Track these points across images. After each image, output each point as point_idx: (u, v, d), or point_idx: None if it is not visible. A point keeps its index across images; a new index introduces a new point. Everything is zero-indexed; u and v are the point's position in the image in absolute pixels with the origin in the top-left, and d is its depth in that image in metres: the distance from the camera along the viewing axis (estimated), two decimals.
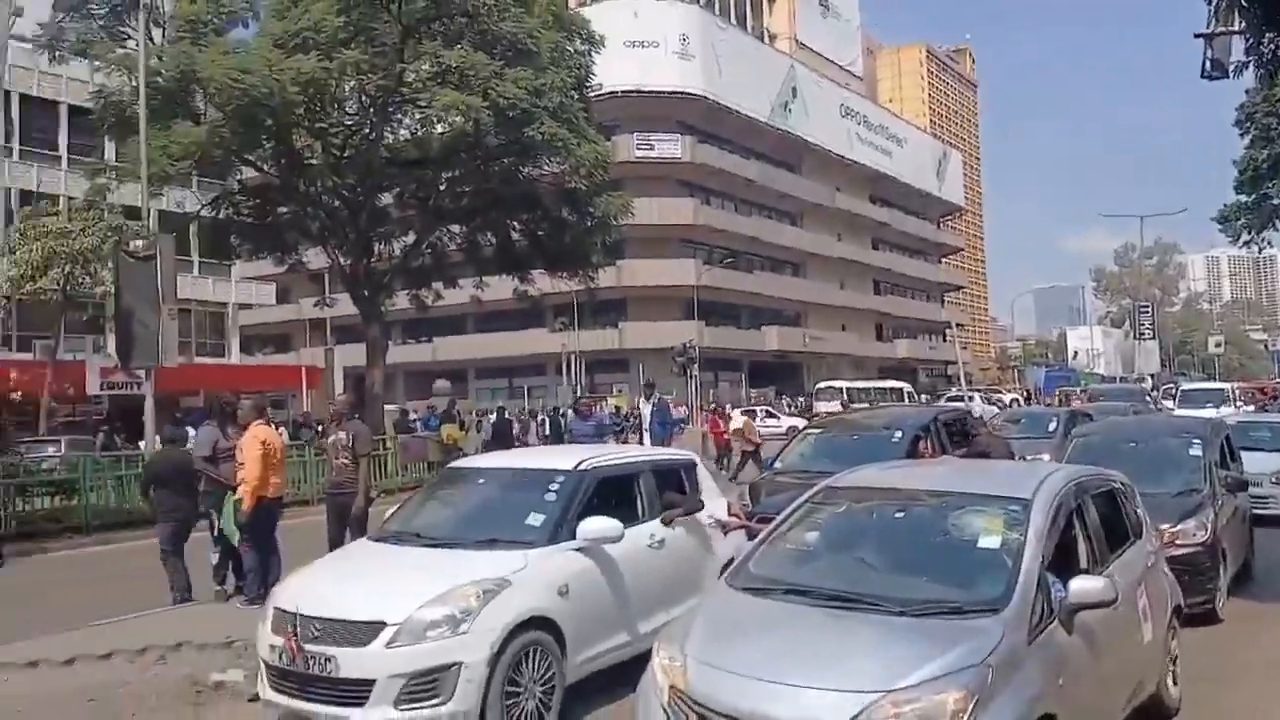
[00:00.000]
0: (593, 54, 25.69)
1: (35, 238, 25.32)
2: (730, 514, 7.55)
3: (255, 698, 5.86)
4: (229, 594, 9.53)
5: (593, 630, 6.00)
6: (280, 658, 5.47)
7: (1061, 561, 4.62)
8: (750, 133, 63.09)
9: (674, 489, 7.26)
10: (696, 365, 44.27)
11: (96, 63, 23.19)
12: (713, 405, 29.58)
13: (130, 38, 22.54)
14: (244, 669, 6.33)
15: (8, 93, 33.63)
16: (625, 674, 5.43)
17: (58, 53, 23.60)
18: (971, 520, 4.79)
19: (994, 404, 43.55)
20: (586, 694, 5.98)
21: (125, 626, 8.13)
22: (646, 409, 17.87)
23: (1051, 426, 16.66)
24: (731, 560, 5.81)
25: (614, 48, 31.13)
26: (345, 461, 9.54)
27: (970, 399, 38.86)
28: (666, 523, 6.85)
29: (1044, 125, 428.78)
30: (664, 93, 56.07)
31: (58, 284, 25.38)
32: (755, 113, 62.14)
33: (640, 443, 17.29)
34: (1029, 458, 11.23)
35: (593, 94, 27.08)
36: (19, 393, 25.87)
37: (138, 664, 6.86)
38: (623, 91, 49.78)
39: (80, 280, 25.75)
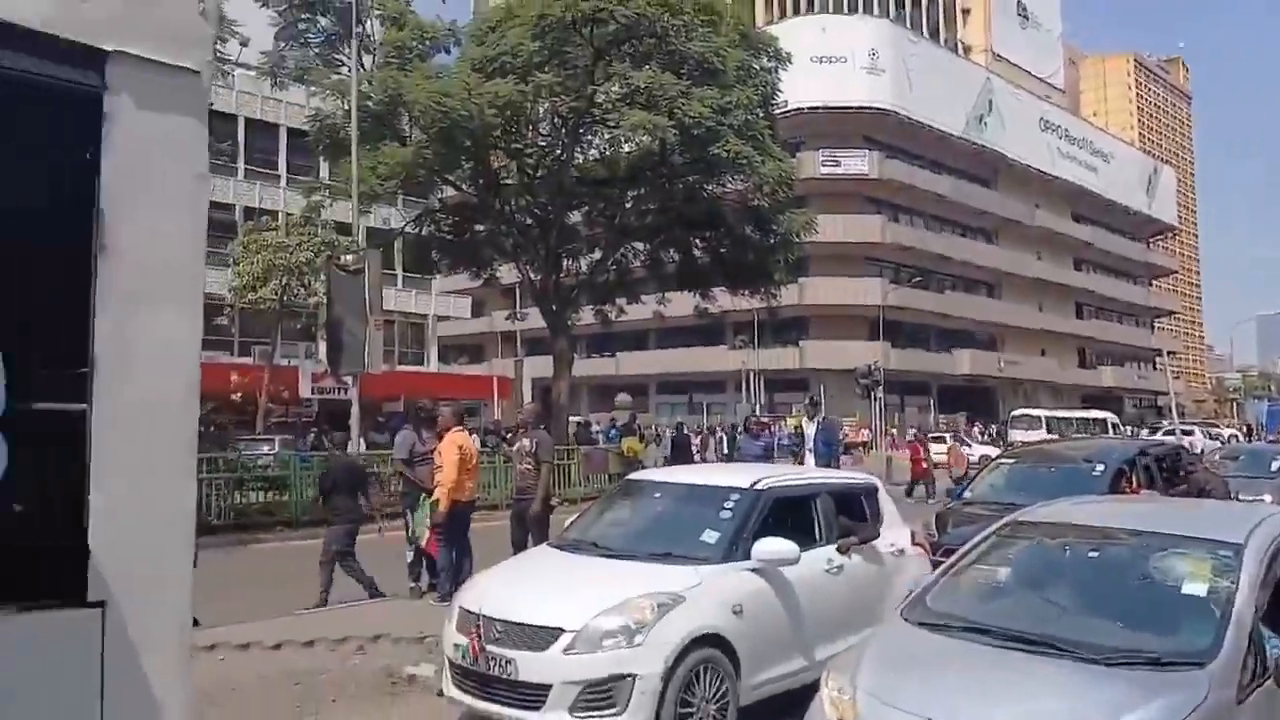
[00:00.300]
0: (779, 71, 25.59)
1: (256, 251, 27.17)
2: (914, 543, 7.34)
3: (442, 693, 6.12)
4: (422, 591, 9.97)
5: (767, 652, 5.91)
6: (463, 656, 5.64)
7: (1278, 615, 4.24)
8: (942, 147, 61.19)
9: (854, 514, 7.10)
10: (881, 388, 43.12)
11: (313, 88, 25.01)
12: (914, 430, 28.74)
13: (343, 64, 24.19)
14: (435, 664, 6.58)
15: (235, 116, 36.91)
16: (795, 703, 5.35)
17: (279, 79, 25.59)
18: (1175, 564, 4.46)
19: (1215, 439, 40.19)
20: None
21: (327, 616, 8.69)
22: (810, 428, 17.50)
23: (1275, 466, 15.36)
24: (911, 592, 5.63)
25: (801, 64, 30.92)
26: (529, 467, 9.87)
27: (1189, 432, 35.95)
28: (843, 551, 6.70)
29: (1268, 139, 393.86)
30: (852, 108, 55.13)
31: (276, 294, 27.17)
32: (948, 127, 60.20)
33: (802, 463, 16.98)
34: (1247, 498, 10.37)
35: (778, 111, 26.94)
36: (240, 394, 27.85)
37: (339, 652, 7.31)
38: (809, 108, 49.29)
39: (295, 291, 27.51)
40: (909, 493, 22.05)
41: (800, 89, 36.02)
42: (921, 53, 60.20)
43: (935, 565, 6.20)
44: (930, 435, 30.07)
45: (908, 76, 57.18)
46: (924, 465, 22.54)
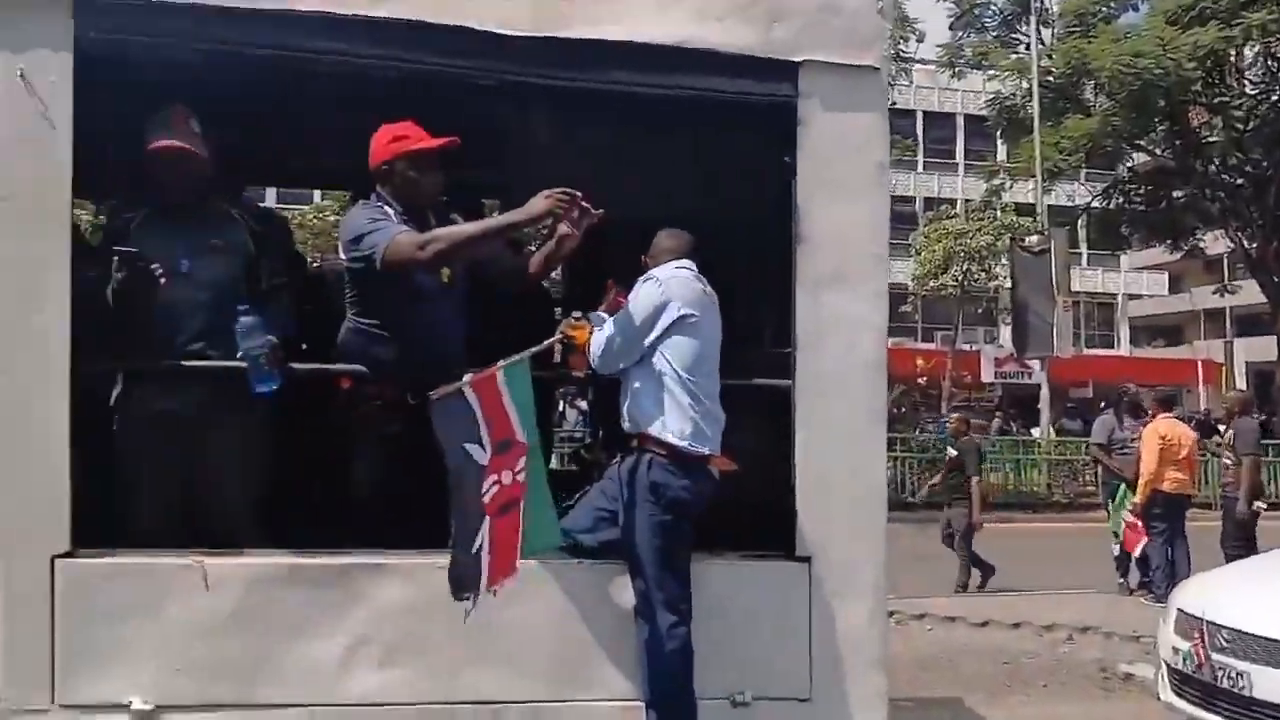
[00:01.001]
0: None
1: (937, 240, 28.24)
2: None
3: (1160, 697, 5.84)
4: (1131, 588, 9.56)
5: None
6: (1184, 662, 5.34)
7: None
8: None
9: None
10: None
11: (989, 72, 25.06)
12: None
13: (1021, 42, 23.96)
14: (1153, 665, 6.35)
15: (913, 111, 38.47)
16: None
17: (956, 68, 26.07)
18: None
19: None
20: None
21: (1031, 601, 8.80)
22: None
23: None
24: None
25: None
26: (1229, 462, 9.33)
27: None
28: None
29: None
30: None
31: (956, 280, 27.97)
32: None
33: None
34: None
35: None
36: (924, 378, 29.21)
37: (1045, 639, 7.40)
38: None
39: (975, 276, 27.99)
40: None
41: None
42: None
43: None
44: None
45: None
46: None
